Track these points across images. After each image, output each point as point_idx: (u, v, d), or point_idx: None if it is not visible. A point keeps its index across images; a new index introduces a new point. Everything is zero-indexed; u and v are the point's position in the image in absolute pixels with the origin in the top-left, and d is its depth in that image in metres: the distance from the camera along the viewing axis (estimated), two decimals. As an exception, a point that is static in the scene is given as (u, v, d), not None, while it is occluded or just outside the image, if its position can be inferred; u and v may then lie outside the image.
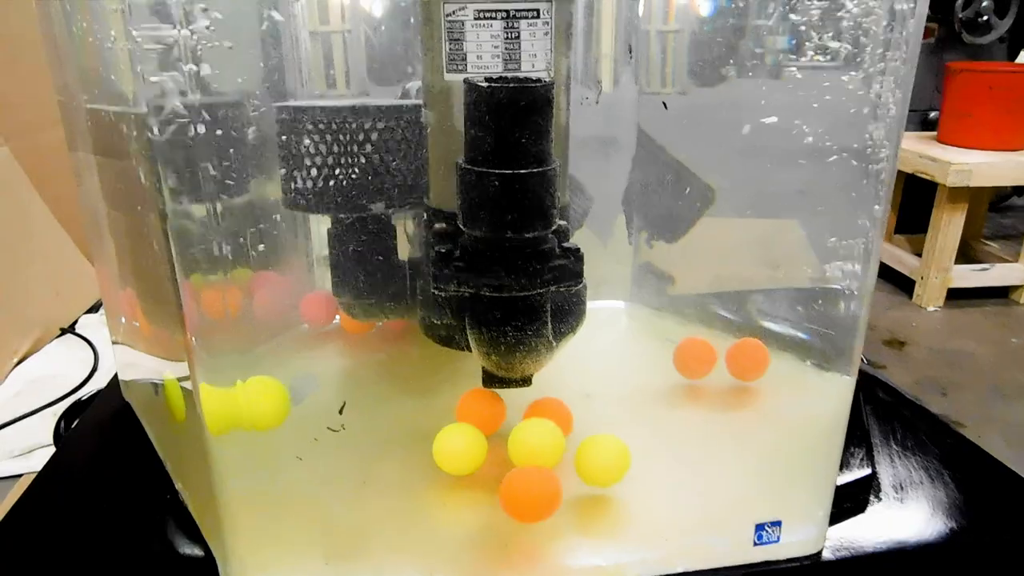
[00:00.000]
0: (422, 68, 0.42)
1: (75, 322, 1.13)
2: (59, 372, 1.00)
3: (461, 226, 0.37)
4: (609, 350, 0.64)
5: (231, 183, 0.56)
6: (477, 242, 0.36)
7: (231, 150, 0.54)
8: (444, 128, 0.41)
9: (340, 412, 0.51)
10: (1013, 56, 1.72)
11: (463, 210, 0.36)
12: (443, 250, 0.38)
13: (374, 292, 0.52)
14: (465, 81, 0.35)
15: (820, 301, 0.57)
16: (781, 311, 0.62)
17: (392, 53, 0.55)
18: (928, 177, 1.34)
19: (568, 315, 0.43)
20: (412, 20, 0.52)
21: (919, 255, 1.46)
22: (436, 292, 0.38)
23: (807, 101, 0.52)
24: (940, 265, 1.43)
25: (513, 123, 0.34)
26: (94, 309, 1.18)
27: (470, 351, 0.42)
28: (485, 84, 0.34)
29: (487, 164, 0.35)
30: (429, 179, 0.45)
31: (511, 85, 0.33)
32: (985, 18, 1.53)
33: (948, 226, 1.39)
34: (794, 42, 0.51)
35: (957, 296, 1.48)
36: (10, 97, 1.14)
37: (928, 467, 0.55)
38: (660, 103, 0.63)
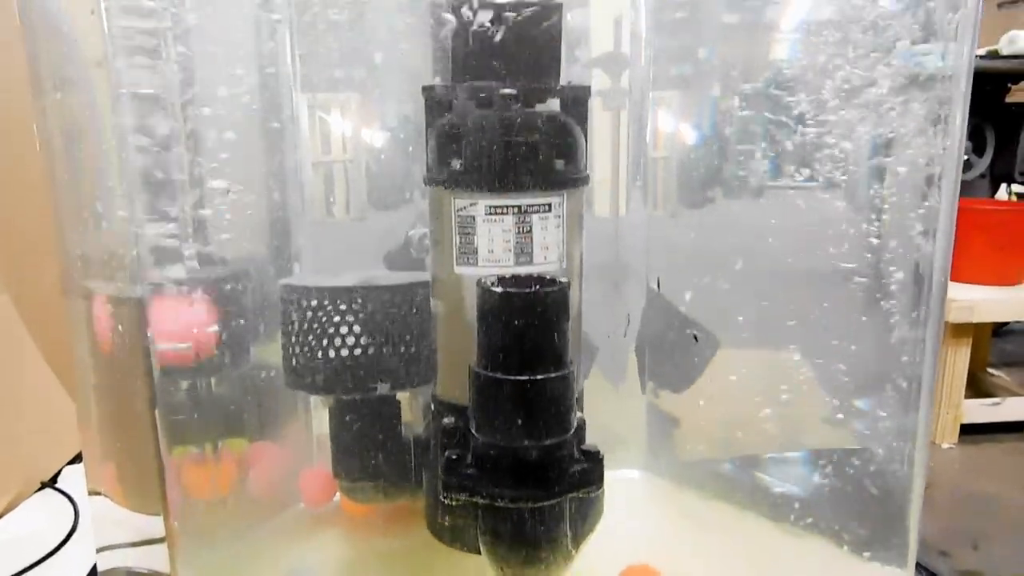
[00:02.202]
0: (431, 259, 0.41)
1: (58, 473, 1.08)
2: (37, 530, 0.94)
3: (473, 431, 0.35)
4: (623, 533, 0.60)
5: (229, 353, 0.54)
6: (490, 448, 0.34)
7: (232, 322, 0.53)
8: (453, 320, 0.40)
9: None
10: (995, 191, 1.77)
11: (476, 416, 0.34)
12: (454, 456, 0.35)
13: (377, 474, 0.50)
14: (478, 284, 0.34)
15: (856, 462, 0.54)
16: (807, 477, 0.59)
17: (392, 180, 0.55)
18: (928, 311, 1.34)
19: (587, 515, 0.40)
20: (411, 149, 0.52)
21: (927, 388, 1.44)
22: (446, 499, 0.35)
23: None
24: (951, 401, 1.40)
25: (528, 329, 0.33)
26: (79, 458, 1.14)
27: (480, 554, 0.39)
28: (499, 289, 0.33)
29: (501, 369, 0.33)
30: (437, 369, 0.43)
31: (526, 291, 0.33)
32: (965, 157, 1.60)
33: (955, 361, 1.38)
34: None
35: (970, 431, 1.44)
36: (13, 245, 1.15)
37: None
38: (665, 226, 0.63)
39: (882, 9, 0.48)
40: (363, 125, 0.55)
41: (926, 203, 0.52)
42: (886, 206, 0.53)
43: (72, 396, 1.17)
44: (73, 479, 1.05)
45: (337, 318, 0.48)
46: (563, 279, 0.35)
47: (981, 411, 1.42)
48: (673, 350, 0.67)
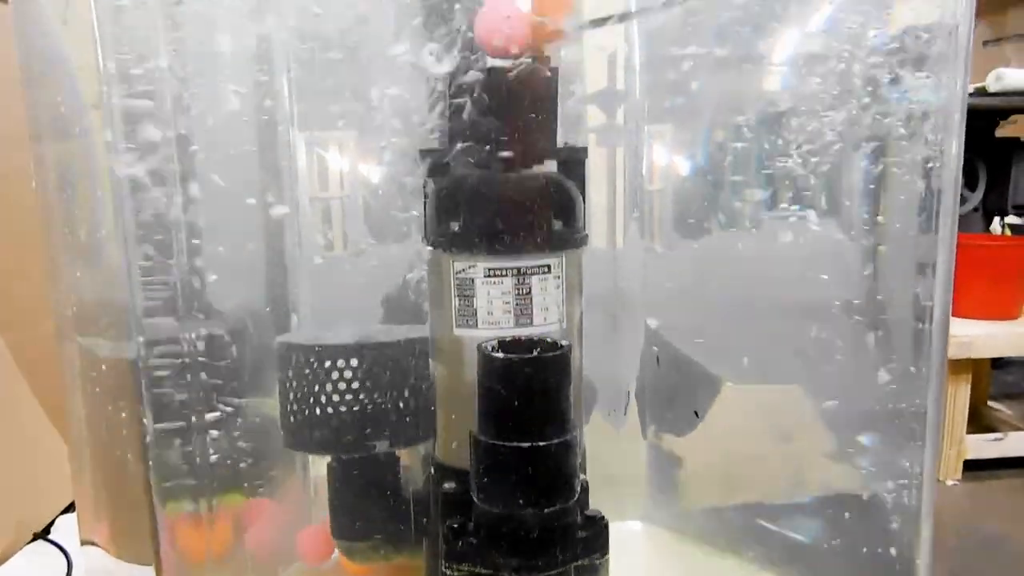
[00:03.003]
0: (430, 319, 0.41)
1: (51, 524, 1.06)
2: (27, 585, 0.92)
3: (475, 498, 0.34)
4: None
5: (227, 411, 0.54)
6: (493, 517, 0.34)
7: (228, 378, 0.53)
8: (453, 381, 0.40)
9: None
10: (988, 224, 1.79)
11: (477, 483, 0.34)
12: (455, 525, 0.35)
13: (376, 534, 0.49)
14: (479, 349, 0.34)
15: (863, 506, 0.53)
16: (815, 525, 0.58)
17: (390, 216, 0.55)
18: (928, 346, 1.34)
19: (591, 579, 0.39)
20: (409, 184, 0.52)
21: (929, 423, 1.43)
22: (448, 571, 0.34)
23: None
24: (953, 437, 1.40)
25: (530, 395, 0.32)
26: (72, 507, 1.12)
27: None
28: (500, 355, 0.33)
29: (503, 436, 0.33)
30: (437, 432, 0.43)
31: (527, 357, 0.32)
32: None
33: (955, 397, 1.38)
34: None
35: (974, 467, 1.43)
36: (12, 289, 1.15)
37: None
38: (662, 258, 0.63)
39: (873, 42, 0.49)
40: (360, 160, 0.55)
41: (924, 236, 0.53)
42: (882, 240, 0.53)
43: (66, 443, 1.16)
44: (66, 529, 1.04)
45: (335, 375, 0.47)
46: (564, 342, 0.35)
47: (985, 447, 1.42)
48: (674, 393, 0.66)
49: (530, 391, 0.32)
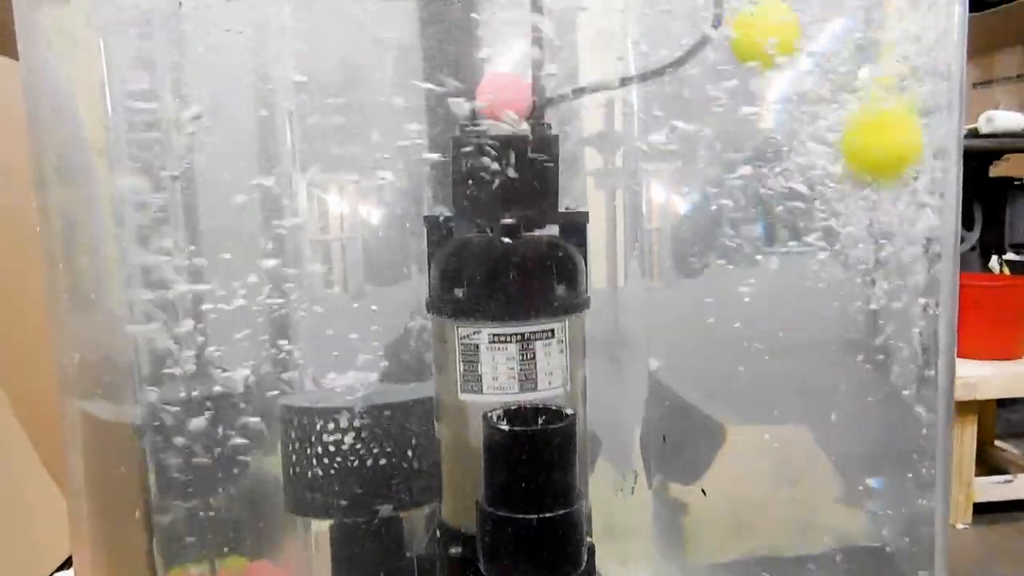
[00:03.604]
0: (435, 383, 0.41)
1: (47, 581, 1.04)
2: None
3: (482, 569, 0.34)
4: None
5: (227, 477, 0.53)
6: (500, 589, 0.33)
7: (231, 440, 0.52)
8: (458, 446, 0.40)
9: None
10: (986, 263, 1.79)
11: (484, 554, 0.33)
12: (462, 596, 0.34)
13: (380, 599, 0.48)
14: (484, 419, 0.34)
15: (872, 557, 0.52)
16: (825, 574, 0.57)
17: (391, 257, 0.55)
18: (931, 388, 1.33)
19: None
20: (408, 225, 0.52)
21: (936, 465, 1.41)
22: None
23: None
24: (962, 479, 1.38)
25: (536, 466, 0.32)
26: (70, 563, 1.10)
27: None
28: (506, 427, 0.33)
29: (509, 507, 0.33)
30: (442, 494, 0.42)
31: (533, 430, 0.32)
32: (954, 231, 1.63)
33: (962, 439, 1.37)
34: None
35: (984, 510, 1.41)
36: (12, 337, 1.15)
37: None
38: (663, 296, 0.62)
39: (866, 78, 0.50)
40: (360, 202, 0.55)
41: (926, 275, 0.53)
42: (885, 277, 0.54)
43: (65, 497, 1.14)
44: (64, 589, 1.02)
45: (337, 438, 0.47)
46: (568, 410, 0.35)
47: (994, 489, 1.40)
48: (679, 442, 0.66)
49: (536, 463, 0.32)
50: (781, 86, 0.53)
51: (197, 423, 0.50)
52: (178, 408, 0.50)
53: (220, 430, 0.51)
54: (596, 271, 0.60)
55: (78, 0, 0.50)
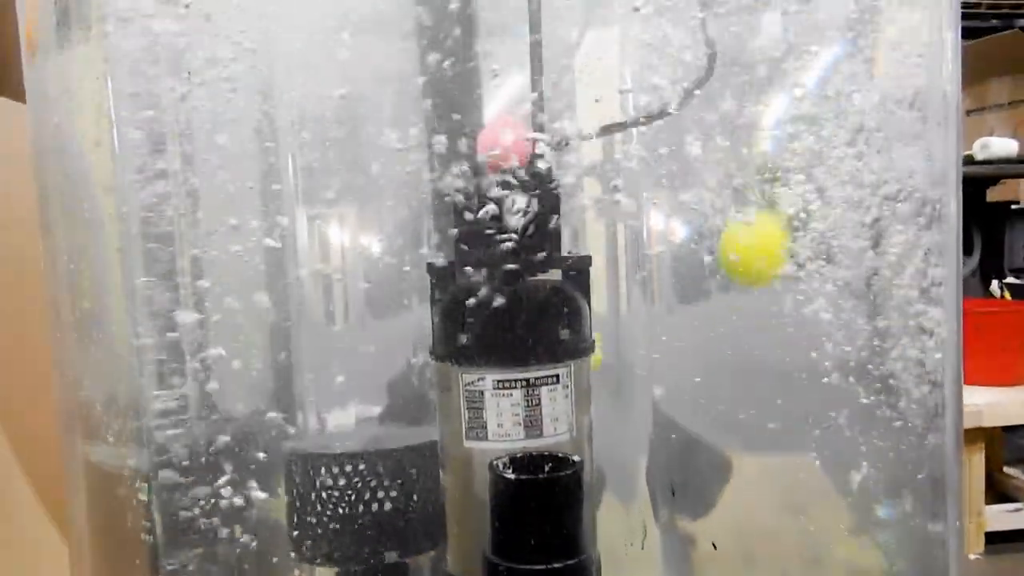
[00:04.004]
0: (439, 429, 0.41)
1: (45, 628, 1.02)
2: None
3: (490, 622, 0.33)
4: None
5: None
6: (508, 643, 0.33)
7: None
8: (464, 493, 0.39)
9: None
10: (987, 287, 1.80)
11: (492, 607, 0.33)
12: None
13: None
14: (490, 468, 0.34)
15: None
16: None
17: (391, 289, 0.55)
18: (937, 415, 1.32)
19: None
20: (407, 259, 0.52)
21: (945, 494, 1.39)
22: None
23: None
24: (972, 508, 1.36)
25: (544, 517, 0.32)
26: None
27: None
28: (512, 477, 0.32)
29: (516, 558, 0.32)
30: (448, 542, 0.42)
31: (539, 479, 0.32)
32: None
33: (970, 467, 1.35)
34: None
35: (996, 539, 1.39)
36: (13, 375, 1.14)
37: None
38: (664, 322, 0.62)
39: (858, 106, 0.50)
40: (360, 233, 0.55)
41: (929, 297, 0.53)
42: (888, 301, 0.53)
43: (65, 540, 1.13)
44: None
45: (342, 483, 0.47)
46: (576, 458, 0.34)
47: (1005, 518, 1.38)
48: (686, 477, 0.65)
49: (543, 512, 0.32)
50: (776, 111, 0.54)
51: (202, 467, 0.50)
52: (184, 452, 0.50)
53: (225, 474, 0.51)
54: (596, 299, 0.60)
55: (84, 45, 0.50)
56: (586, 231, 0.56)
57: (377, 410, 0.54)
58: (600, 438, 0.43)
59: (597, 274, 0.46)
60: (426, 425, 0.49)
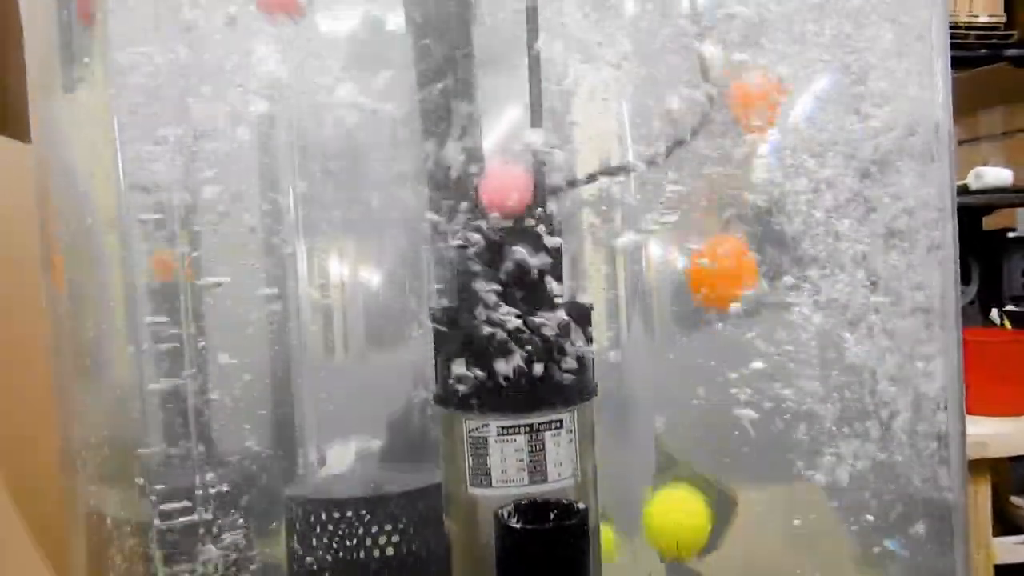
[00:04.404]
0: (443, 477, 0.41)
1: (40, 676, 1.00)
2: None
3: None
4: None
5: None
6: None
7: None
8: (468, 540, 0.39)
9: None
10: (986, 316, 1.80)
11: (498, 660, 0.33)
12: None
13: None
14: (495, 517, 0.34)
15: None
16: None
17: (390, 318, 0.54)
18: (942, 446, 1.32)
19: None
20: (407, 286, 0.52)
21: (953, 527, 1.38)
22: None
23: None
24: (980, 541, 1.35)
25: (550, 566, 0.32)
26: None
27: None
28: (518, 526, 0.32)
29: (523, 610, 0.32)
30: (453, 592, 0.41)
31: (545, 528, 0.32)
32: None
33: (977, 499, 1.34)
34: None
35: (1005, 572, 1.37)
36: (13, 416, 1.13)
37: None
38: (664, 353, 0.61)
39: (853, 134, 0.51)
40: (361, 265, 0.55)
41: (929, 325, 0.53)
42: (886, 328, 0.53)
43: (61, 584, 1.11)
44: None
45: (344, 528, 0.47)
46: (581, 505, 0.34)
47: (1015, 550, 1.37)
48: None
49: (549, 562, 0.32)
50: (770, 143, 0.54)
51: (204, 514, 0.50)
52: (185, 498, 0.50)
53: (227, 519, 0.50)
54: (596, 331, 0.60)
55: (90, 86, 0.51)
56: (585, 258, 0.56)
57: (378, 444, 0.54)
58: (604, 470, 0.43)
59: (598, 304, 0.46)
60: (429, 464, 0.49)
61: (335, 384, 0.57)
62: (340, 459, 0.55)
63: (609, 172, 0.47)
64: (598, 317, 0.54)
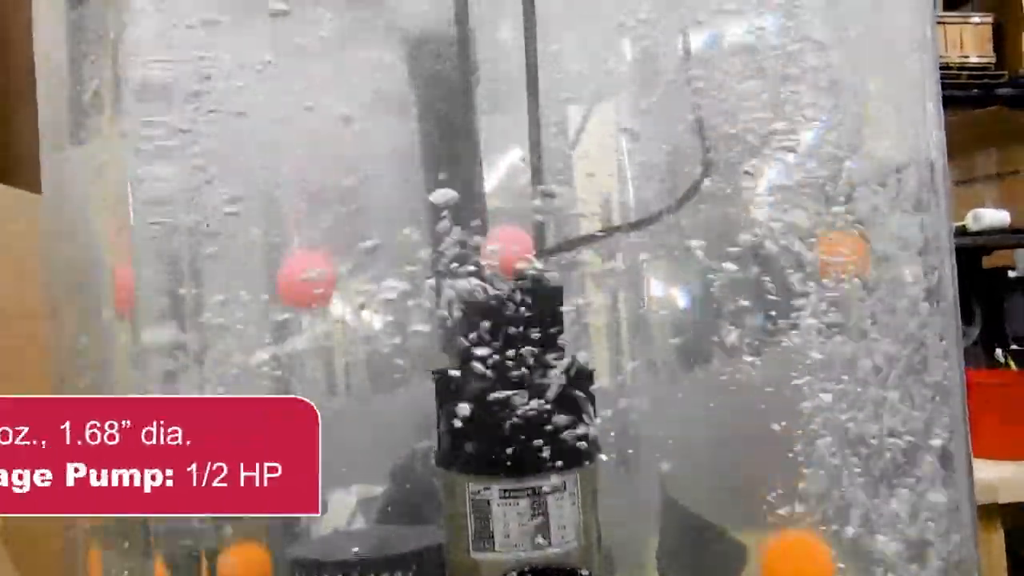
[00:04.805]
0: (445, 538, 0.40)
1: None
2: None
3: None
4: None
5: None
6: None
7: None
8: (472, 606, 0.39)
9: None
10: (990, 357, 1.79)
11: None
12: None
13: None
14: (499, 585, 0.33)
15: None
16: None
17: (390, 363, 0.54)
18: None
19: None
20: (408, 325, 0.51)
21: None
22: None
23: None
24: (994, 589, 1.31)
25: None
26: None
27: None
28: (523, 596, 0.32)
29: None
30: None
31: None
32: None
33: (990, 548, 1.31)
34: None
35: (1023, 622, 1.34)
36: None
37: None
38: (667, 391, 0.61)
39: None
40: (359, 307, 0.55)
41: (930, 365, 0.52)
42: (889, 369, 0.53)
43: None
44: None
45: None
46: (584, 571, 0.34)
47: (1029, 599, 1.33)
48: (696, 562, 0.63)
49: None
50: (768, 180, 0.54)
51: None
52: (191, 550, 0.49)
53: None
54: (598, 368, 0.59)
55: (103, 139, 0.52)
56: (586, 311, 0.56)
57: (379, 492, 0.53)
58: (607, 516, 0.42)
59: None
60: (432, 524, 0.48)
61: (336, 432, 0.56)
62: (341, 509, 0.54)
63: (605, 232, 0.47)
64: (600, 366, 0.54)
